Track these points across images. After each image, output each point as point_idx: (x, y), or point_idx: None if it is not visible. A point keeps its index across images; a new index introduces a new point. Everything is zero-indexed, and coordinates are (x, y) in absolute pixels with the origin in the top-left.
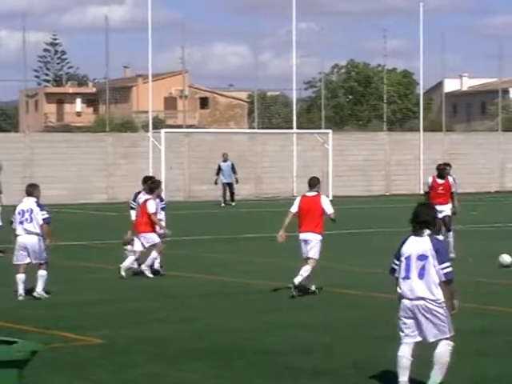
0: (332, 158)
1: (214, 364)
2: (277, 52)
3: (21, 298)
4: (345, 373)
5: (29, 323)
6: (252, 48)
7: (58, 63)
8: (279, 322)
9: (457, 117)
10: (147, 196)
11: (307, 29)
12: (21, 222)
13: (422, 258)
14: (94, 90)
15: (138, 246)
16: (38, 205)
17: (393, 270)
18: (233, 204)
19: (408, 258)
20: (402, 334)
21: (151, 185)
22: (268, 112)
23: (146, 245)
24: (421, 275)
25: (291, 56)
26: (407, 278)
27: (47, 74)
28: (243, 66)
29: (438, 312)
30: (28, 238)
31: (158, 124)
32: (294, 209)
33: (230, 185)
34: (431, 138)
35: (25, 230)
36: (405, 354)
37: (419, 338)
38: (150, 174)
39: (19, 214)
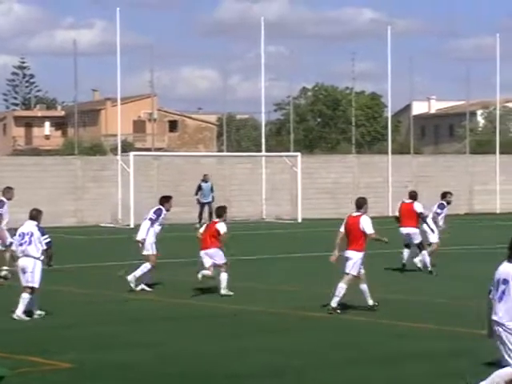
0: (301, 180)
1: None
2: (245, 75)
3: (16, 317)
4: None
5: None
6: (221, 71)
7: (27, 86)
8: (250, 346)
9: (425, 139)
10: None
11: (276, 52)
12: (20, 244)
13: (505, 282)
14: (62, 113)
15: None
16: (39, 229)
17: (489, 292)
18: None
19: (496, 282)
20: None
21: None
22: (237, 135)
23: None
24: (500, 299)
25: (260, 79)
26: (494, 300)
27: (16, 98)
28: (212, 90)
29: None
30: (27, 260)
31: (127, 147)
32: (342, 228)
33: (209, 204)
34: (400, 160)
35: (22, 252)
36: None
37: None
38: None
39: (19, 236)
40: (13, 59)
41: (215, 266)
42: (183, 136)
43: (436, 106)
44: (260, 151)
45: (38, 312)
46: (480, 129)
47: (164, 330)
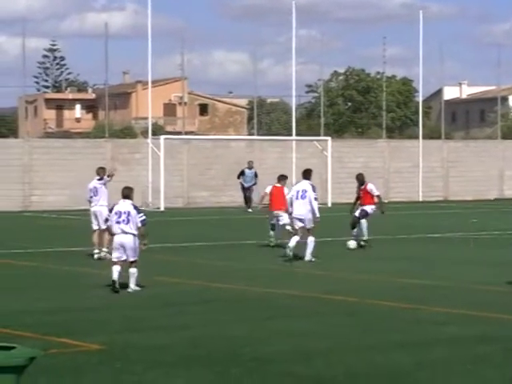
0: (331, 165)
1: (211, 371)
2: (276, 59)
3: (116, 290)
4: (347, 380)
5: (27, 329)
6: (251, 55)
7: (57, 69)
8: (278, 330)
9: (456, 124)
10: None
11: (307, 36)
12: (117, 222)
13: None
14: (93, 96)
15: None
16: (135, 207)
17: None
18: (249, 210)
19: None
20: None
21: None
22: (267, 119)
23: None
24: None
25: (291, 63)
26: None
27: (46, 80)
28: (243, 73)
29: None
30: (125, 237)
31: (158, 130)
32: None
33: (249, 188)
34: (430, 145)
35: (121, 229)
36: None
37: None
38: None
39: (116, 214)
40: (44, 42)
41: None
42: (213, 120)
43: (467, 91)
44: (290, 135)
45: (134, 287)
46: (511, 114)
47: (193, 313)
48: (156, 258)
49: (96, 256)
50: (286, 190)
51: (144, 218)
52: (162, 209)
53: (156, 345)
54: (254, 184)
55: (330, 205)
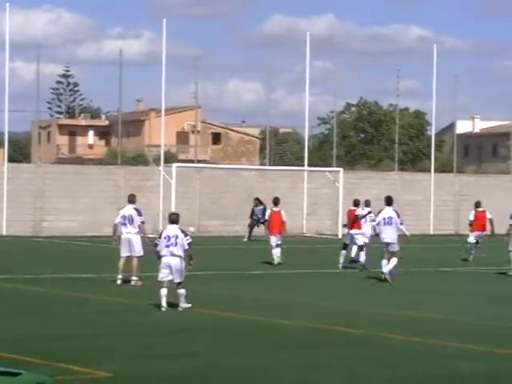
0: (342, 196)
1: None
2: (290, 89)
3: (163, 309)
4: None
5: (35, 355)
6: (266, 84)
7: (71, 95)
8: (287, 361)
9: (468, 158)
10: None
11: (322, 67)
12: (167, 246)
13: None
14: (106, 122)
15: None
16: (182, 231)
17: None
18: (244, 240)
19: None
20: None
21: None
22: (280, 149)
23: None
24: None
25: (305, 93)
26: None
27: (60, 106)
28: (256, 103)
29: None
30: (173, 259)
31: (170, 158)
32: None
33: (259, 221)
34: (442, 178)
35: (170, 252)
36: None
37: None
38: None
39: (165, 238)
40: (59, 68)
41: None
42: (226, 148)
43: (480, 125)
44: (302, 165)
45: (185, 305)
46: None
47: (201, 342)
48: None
49: (119, 282)
50: (283, 214)
51: (190, 240)
52: None
53: (164, 373)
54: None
55: (340, 236)
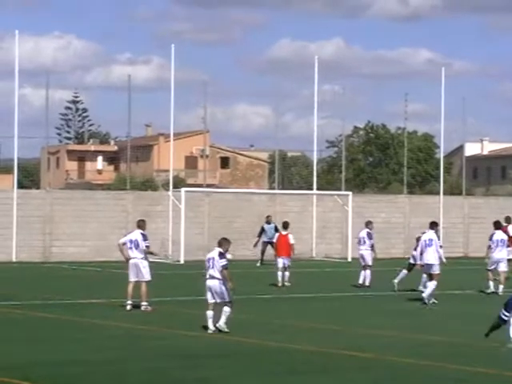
0: (351, 219)
1: None
2: (299, 113)
3: (210, 331)
4: None
5: (44, 381)
6: (274, 108)
7: (80, 121)
8: None
9: (477, 181)
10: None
11: (330, 90)
12: (207, 268)
13: None
14: (115, 148)
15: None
16: (220, 254)
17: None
18: (257, 265)
19: None
20: None
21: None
22: (288, 173)
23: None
24: None
25: (313, 117)
26: None
27: (68, 132)
28: (265, 127)
29: None
30: (211, 281)
31: (179, 183)
32: None
33: (271, 243)
34: (451, 201)
35: (210, 275)
36: None
37: None
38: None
39: (207, 261)
40: (69, 94)
41: None
42: (235, 173)
43: (489, 147)
44: (311, 189)
45: (223, 326)
46: None
47: (210, 366)
48: (174, 310)
49: (129, 307)
50: (291, 237)
51: (225, 263)
52: (182, 261)
53: None
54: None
55: (350, 259)
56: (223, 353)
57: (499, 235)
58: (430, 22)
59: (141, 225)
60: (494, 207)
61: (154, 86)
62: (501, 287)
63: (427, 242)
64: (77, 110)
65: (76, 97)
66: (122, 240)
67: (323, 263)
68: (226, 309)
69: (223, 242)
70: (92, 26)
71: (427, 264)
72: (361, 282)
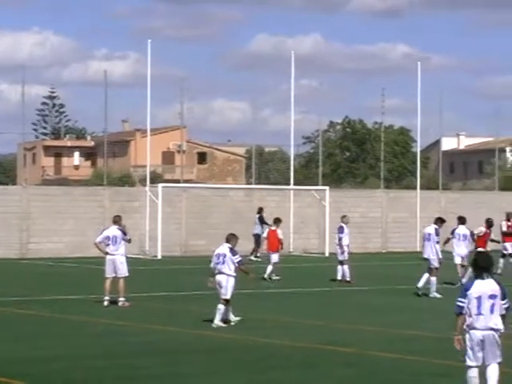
0: (329, 214)
1: None
2: (276, 108)
3: (214, 326)
4: None
5: (21, 378)
6: (251, 104)
7: (56, 116)
8: (276, 380)
9: (454, 175)
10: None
11: (308, 85)
12: (216, 263)
13: (492, 297)
14: (92, 143)
15: None
16: (231, 250)
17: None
18: (253, 259)
19: (479, 298)
20: (468, 359)
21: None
22: (265, 168)
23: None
24: (491, 311)
25: (290, 112)
26: (480, 314)
27: (45, 127)
28: (242, 122)
29: (499, 340)
30: (220, 276)
31: (156, 178)
32: None
33: (256, 236)
34: (428, 196)
35: (219, 270)
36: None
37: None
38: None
39: (216, 256)
40: (45, 89)
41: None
42: (212, 168)
43: (465, 142)
44: (288, 184)
45: (234, 318)
46: (509, 165)
47: (189, 362)
48: (152, 306)
49: (106, 303)
50: (279, 232)
51: (240, 259)
52: (160, 257)
53: None
54: (259, 233)
55: (327, 254)
56: (202, 348)
57: (461, 230)
58: (408, 17)
59: (116, 220)
60: (470, 202)
61: (131, 81)
62: (463, 280)
63: (426, 237)
64: (53, 105)
65: (52, 92)
66: (98, 239)
67: (301, 258)
68: (220, 306)
69: (231, 238)
70: (69, 22)
71: (424, 258)
72: (339, 277)
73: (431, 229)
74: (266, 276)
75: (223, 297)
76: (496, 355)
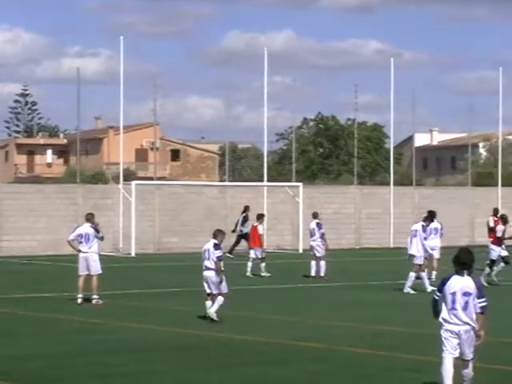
0: (302, 210)
1: None
2: (250, 105)
3: (209, 320)
4: None
5: None
6: (225, 101)
7: (29, 114)
8: (249, 376)
9: (427, 171)
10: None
11: (281, 82)
12: (203, 259)
13: (467, 294)
14: (64, 141)
15: None
16: (215, 245)
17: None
18: (231, 256)
19: (454, 294)
20: (444, 349)
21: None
22: (239, 164)
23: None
24: (465, 308)
25: (263, 109)
26: (454, 309)
27: (18, 125)
28: (217, 119)
29: (473, 335)
30: (208, 272)
31: (129, 176)
32: None
33: (239, 236)
34: (401, 191)
35: (205, 266)
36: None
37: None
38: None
39: (203, 252)
40: (18, 87)
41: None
42: (185, 165)
43: (438, 138)
44: (262, 181)
45: (213, 313)
46: (482, 161)
47: (162, 360)
48: (126, 304)
49: (79, 301)
50: (260, 228)
51: (220, 254)
52: (133, 254)
53: None
54: (238, 232)
55: (301, 251)
56: (176, 346)
57: (433, 224)
58: (380, 13)
59: (89, 218)
60: (443, 197)
61: (103, 78)
62: (434, 273)
63: (413, 233)
64: (26, 103)
65: (25, 90)
66: (71, 237)
67: (275, 255)
68: (220, 298)
69: (218, 234)
70: (41, 19)
71: (410, 254)
72: (313, 273)
73: (418, 226)
74: (248, 274)
75: (214, 292)
76: (470, 350)
